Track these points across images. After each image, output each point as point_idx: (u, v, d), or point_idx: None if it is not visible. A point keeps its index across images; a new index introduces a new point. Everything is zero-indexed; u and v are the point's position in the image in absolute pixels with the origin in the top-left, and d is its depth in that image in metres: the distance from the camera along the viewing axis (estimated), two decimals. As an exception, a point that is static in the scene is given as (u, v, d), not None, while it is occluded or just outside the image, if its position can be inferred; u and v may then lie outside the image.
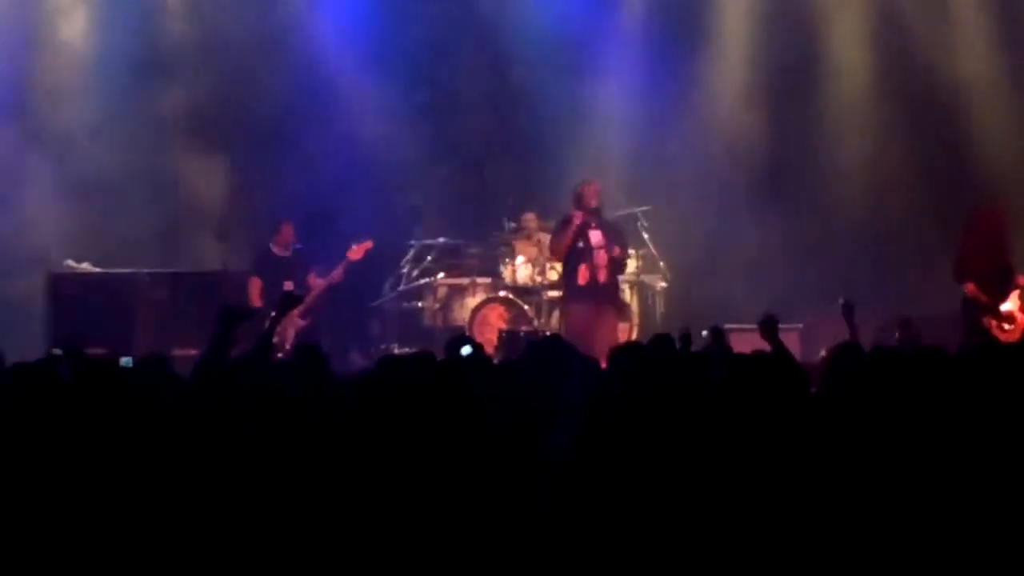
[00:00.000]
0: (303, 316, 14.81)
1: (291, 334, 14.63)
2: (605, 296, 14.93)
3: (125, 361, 8.73)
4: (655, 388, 7.12)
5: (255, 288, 14.97)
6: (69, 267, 15.69)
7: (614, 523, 5.91)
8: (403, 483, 5.94)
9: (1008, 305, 13.88)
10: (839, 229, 17.33)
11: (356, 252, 15.33)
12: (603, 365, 8.30)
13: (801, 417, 6.34)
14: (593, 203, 14.93)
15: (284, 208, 16.00)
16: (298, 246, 15.22)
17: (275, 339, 13.87)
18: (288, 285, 14.67)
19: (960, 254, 14.11)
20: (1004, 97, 17.29)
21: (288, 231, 15.21)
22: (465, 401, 6.46)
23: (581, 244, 14.88)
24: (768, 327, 9.08)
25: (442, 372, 7.69)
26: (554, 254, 15.51)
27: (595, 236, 14.90)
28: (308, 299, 14.74)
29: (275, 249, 15.18)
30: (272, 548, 5.83)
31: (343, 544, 5.81)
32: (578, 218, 14.85)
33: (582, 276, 14.88)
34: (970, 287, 13.87)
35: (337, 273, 15.17)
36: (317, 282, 15.14)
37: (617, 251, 14.96)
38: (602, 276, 14.88)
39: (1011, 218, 14.29)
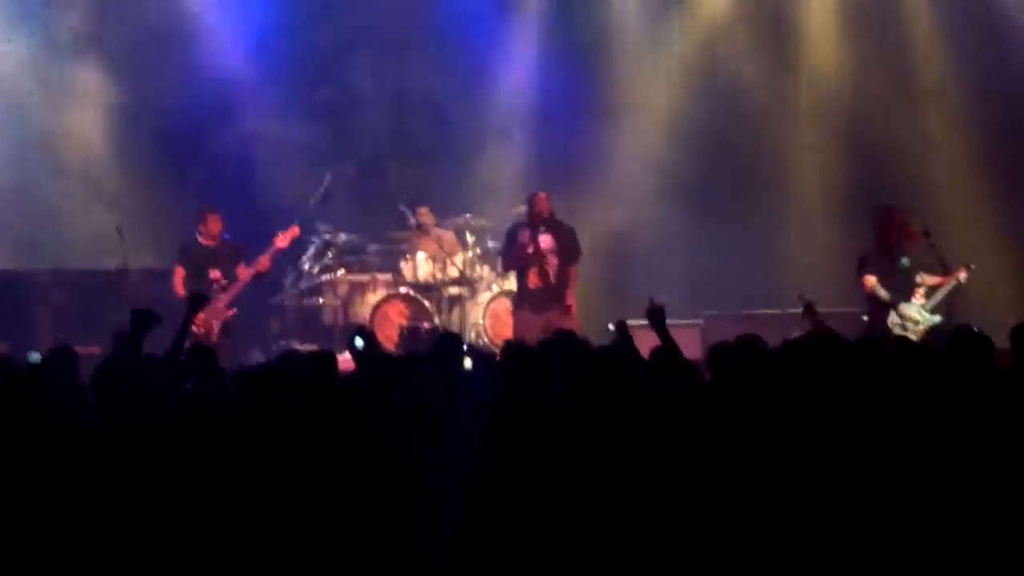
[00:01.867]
0: (229, 306, 14.67)
1: (216, 325, 14.49)
2: (554, 300, 14.80)
3: (34, 357, 8.68)
4: (545, 386, 7.21)
5: (178, 277, 14.63)
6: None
7: (509, 518, 5.99)
8: (291, 479, 5.99)
9: (911, 307, 13.87)
10: (756, 227, 17.47)
11: (283, 239, 15.25)
12: None
13: (686, 409, 6.47)
14: (544, 212, 14.90)
15: (186, 203, 15.94)
16: (226, 236, 14.96)
17: (200, 330, 13.96)
18: (215, 274, 14.62)
19: (862, 250, 14.23)
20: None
21: (215, 221, 14.82)
22: (354, 398, 6.54)
23: (531, 249, 14.87)
24: (654, 317, 9.15)
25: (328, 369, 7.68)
26: (503, 269, 15.63)
27: (545, 240, 14.88)
28: (234, 288, 14.67)
29: (201, 239, 14.82)
30: (159, 543, 5.86)
31: (227, 538, 5.85)
32: (526, 242, 14.85)
33: (531, 280, 14.87)
34: (868, 280, 13.88)
35: (264, 260, 15.01)
36: (245, 271, 14.86)
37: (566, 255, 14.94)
38: (552, 280, 14.85)
39: (917, 219, 14.23)
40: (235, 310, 14.71)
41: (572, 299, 14.76)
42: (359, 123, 17.45)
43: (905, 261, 13.96)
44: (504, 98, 17.81)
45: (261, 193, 16.52)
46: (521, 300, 15.02)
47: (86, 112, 17.01)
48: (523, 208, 15.46)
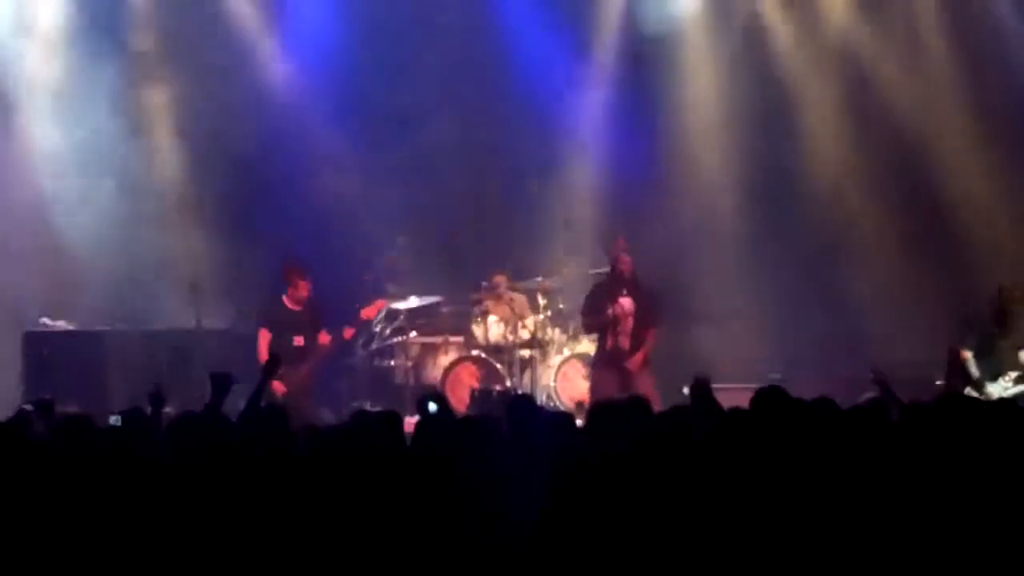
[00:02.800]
0: (310, 374, 14.63)
1: (295, 392, 14.40)
2: (627, 361, 14.77)
3: (114, 419, 8.73)
4: (628, 445, 7.17)
5: (263, 342, 14.58)
6: (44, 325, 15.71)
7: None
8: (359, 536, 5.97)
9: (995, 386, 13.28)
10: (826, 286, 17.31)
11: (369, 311, 15.36)
12: None
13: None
14: (626, 272, 14.89)
15: (265, 266, 16.03)
16: (312, 297, 14.83)
17: (280, 397, 13.92)
18: (298, 340, 14.59)
19: (970, 318, 13.73)
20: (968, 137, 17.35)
21: (303, 285, 14.75)
22: (430, 459, 6.51)
23: (611, 311, 14.86)
24: (699, 388, 9.23)
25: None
26: (586, 331, 15.62)
27: (625, 303, 14.86)
28: (316, 357, 14.67)
29: (287, 301, 14.79)
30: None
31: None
32: (606, 304, 14.85)
33: (609, 342, 14.88)
34: (965, 354, 13.43)
35: (347, 332, 15.07)
36: (325, 338, 14.83)
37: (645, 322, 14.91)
38: (625, 343, 14.82)
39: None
40: (313, 378, 14.71)
41: (646, 360, 14.73)
42: (432, 182, 17.43)
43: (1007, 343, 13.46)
44: (580, 160, 17.78)
45: (336, 253, 16.52)
46: (599, 359, 15.03)
47: (161, 177, 17.14)
48: (602, 270, 15.50)
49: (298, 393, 14.39)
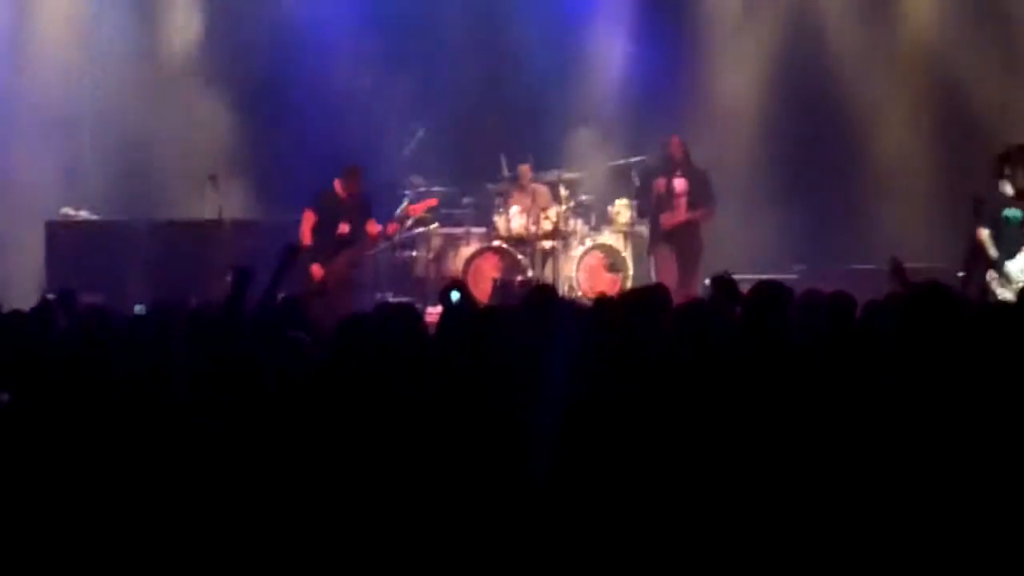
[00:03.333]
0: (351, 265, 14.71)
1: (334, 280, 14.48)
2: (683, 237, 15.44)
3: (139, 309, 8.75)
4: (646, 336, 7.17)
5: (307, 223, 14.61)
6: (66, 215, 15.72)
7: (604, 476, 5.95)
8: (378, 430, 5.98)
9: (1014, 264, 12.97)
10: (842, 183, 17.34)
11: (418, 208, 15.43)
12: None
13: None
14: (678, 154, 15.50)
15: (283, 156, 16.05)
16: (364, 192, 14.90)
17: (316, 285, 14.00)
18: (343, 228, 14.59)
19: (977, 194, 13.54)
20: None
21: (355, 178, 14.80)
22: (453, 349, 6.53)
23: (664, 192, 15.48)
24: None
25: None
26: (639, 215, 16.04)
27: (679, 184, 15.47)
28: (360, 249, 14.76)
29: (338, 188, 14.75)
30: (263, 491, 5.88)
31: (321, 484, 5.86)
32: (660, 185, 15.46)
33: (664, 221, 15.45)
34: (982, 232, 12.95)
35: (392, 226, 15.21)
36: (374, 227, 14.90)
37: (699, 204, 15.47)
38: (683, 221, 15.47)
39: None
40: (352, 268, 14.74)
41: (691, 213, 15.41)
42: (451, 74, 17.37)
43: (1014, 213, 13.39)
44: (600, 55, 17.71)
45: (354, 144, 16.47)
46: (655, 239, 15.58)
47: (179, 60, 17.12)
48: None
49: (337, 281, 14.43)
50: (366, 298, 15.91)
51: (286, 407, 6.15)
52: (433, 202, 15.85)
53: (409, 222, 15.86)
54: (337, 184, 14.75)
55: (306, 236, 14.48)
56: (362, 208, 14.80)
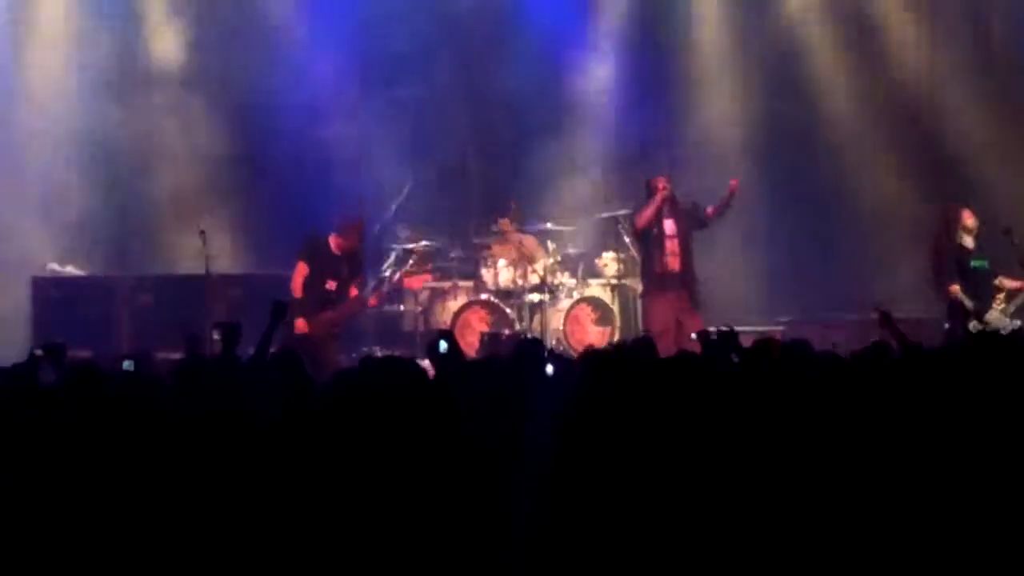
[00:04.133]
0: (334, 324, 14.49)
1: (318, 336, 14.32)
2: (678, 284, 14.85)
3: (127, 364, 8.71)
4: (632, 391, 7.17)
5: (299, 275, 14.26)
6: (52, 271, 15.72)
7: (593, 522, 5.95)
8: (379, 483, 5.98)
9: (994, 313, 13.59)
10: (826, 232, 17.36)
11: (414, 282, 15.41)
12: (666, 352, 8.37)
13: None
14: (665, 191, 14.89)
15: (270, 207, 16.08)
16: (358, 252, 14.61)
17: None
18: (331, 284, 14.39)
19: (937, 257, 13.98)
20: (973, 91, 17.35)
21: (355, 238, 14.48)
22: (443, 402, 6.53)
23: (655, 231, 14.91)
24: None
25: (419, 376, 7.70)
26: (637, 225, 15.27)
27: (668, 226, 14.90)
28: (348, 308, 14.56)
29: (332, 244, 14.40)
30: (253, 548, 5.87)
31: (319, 546, 5.86)
32: (662, 185, 14.84)
33: (658, 264, 14.91)
34: (953, 289, 13.65)
35: (385, 291, 15.14)
36: (360, 295, 14.62)
37: (707, 213, 14.99)
38: (674, 264, 14.86)
39: (983, 219, 14.10)
40: (339, 325, 14.55)
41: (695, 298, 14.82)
42: (439, 123, 17.43)
43: (980, 263, 13.67)
44: (584, 98, 17.78)
45: (341, 195, 16.47)
46: (649, 286, 15.03)
47: (167, 119, 17.12)
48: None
49: (322, 337, 14.22)
50: (350, 352, 15.91)
51: (287, 453, 6.16)
52: (428, 278, 15.82)
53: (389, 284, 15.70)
54: (332, 239, 14.56)
55: (297, 289, 14.25)
56: (352, 266, 14.61)
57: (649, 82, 17.80)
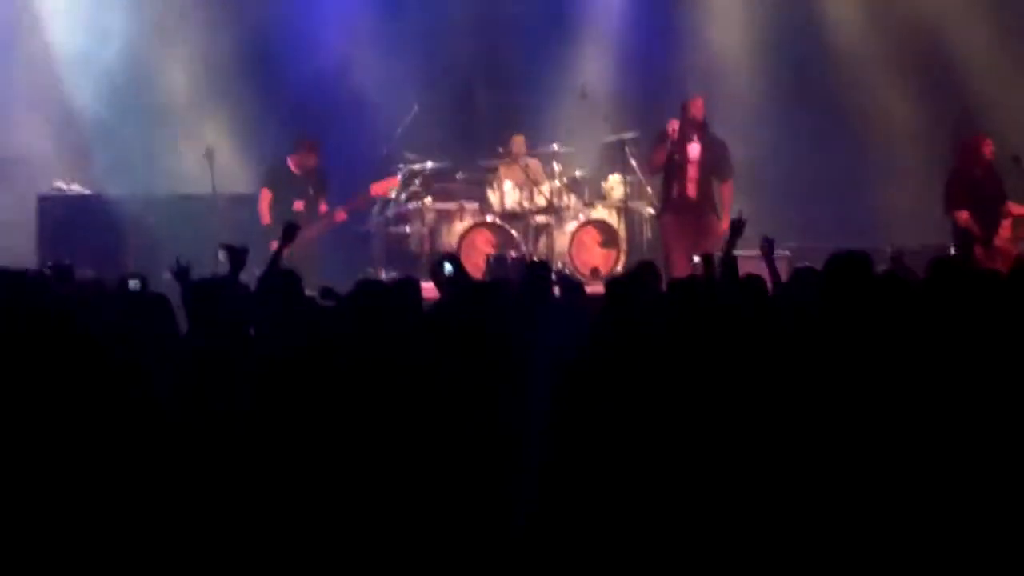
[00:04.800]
0: (311, 241, 14.52)
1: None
2: (695, 210, 14.58)
3: (133, 284, 8.71)
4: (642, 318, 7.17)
5: (264, 202, 14.78)
6: (58, 189, 15.67)
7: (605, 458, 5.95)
8: (376, 402, 5.98)
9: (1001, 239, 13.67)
10: (836, 159, 17.23)
11: (379, 187, 15.39)
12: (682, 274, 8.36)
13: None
14: (698, 116, 14.61)
15: (278, 131, 16.01)
16: (319, 168, 14.97)
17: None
18: (298, 205, 14.58)
19: (949, 184, 14.00)
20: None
21: (311, 154, 14.91)
22: (442, 323, 6.53)
23: (677, 157, 14.55)
24: (766, 249, 9.81)
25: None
26: (648, 168, 15.32)
27: (693, 150, 14.58)
28: (321, 225, 14.69)
29: (291, 164, 14.91)
30: (264, 464, 5.89)
31: (319, 455, 5.87)
32: (673, 130, 14.48)
33: (675, 189, 14.60)
34: (963, 215, 13.76)
35: (356, 202, 15.15)
36: (329, 210, 14.95)
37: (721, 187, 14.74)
38: (692, 191, 14.59)
39: (995, 147, 14.15)
40: (315, 244, 14.65)
41: (725, 217, 14.28)
42: (447, 49, 17.33)
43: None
44: (595, 26, 17.66)
45: (349, 121, 16.45)
46: (665, 207, 14.80)
47: (177, 42, 16.99)
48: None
49: (300, 258, 14.26)
50: (357, 273, 15.90)
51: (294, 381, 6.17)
52: (394, 181, 15.76)
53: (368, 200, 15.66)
54: (290, 159, 14.89)
55: (264, 215, 14.69)
56: (317, 184, 14.91)
57: (657, 11, 17.66)
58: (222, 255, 8.60)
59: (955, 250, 13.70)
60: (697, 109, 14.63)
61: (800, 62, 17.39)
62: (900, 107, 17.23)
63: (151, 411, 5.98)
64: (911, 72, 17.26)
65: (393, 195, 16.30)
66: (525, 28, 17.44)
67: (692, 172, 14.61)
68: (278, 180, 14.90)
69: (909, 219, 15.75)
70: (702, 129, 14.64)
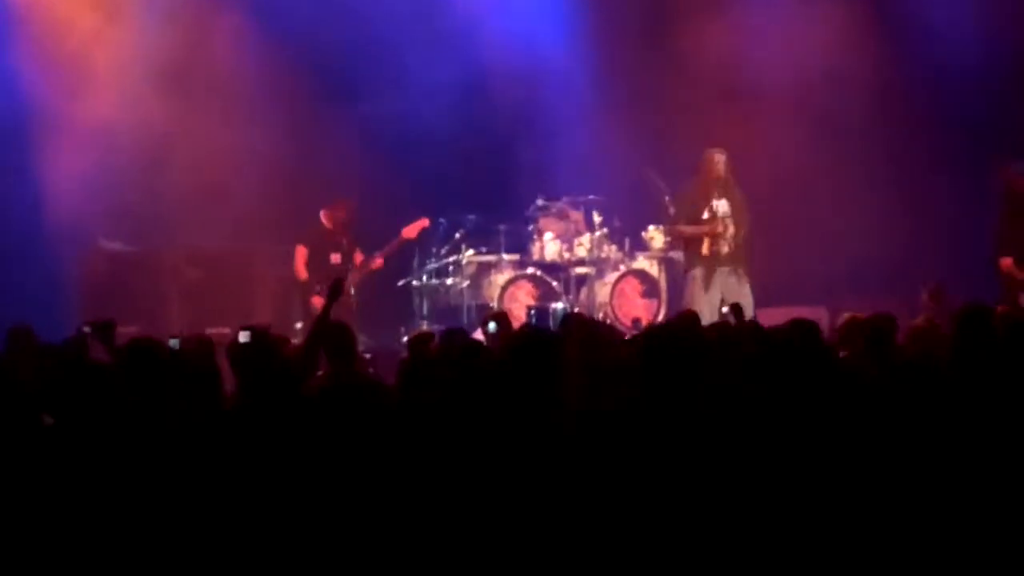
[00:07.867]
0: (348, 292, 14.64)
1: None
2: (728, 263, 14.56)
3: (173, 343, 8.76)
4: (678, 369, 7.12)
5: (300, 258, 14.97)
6: (101, 246, 15.75)
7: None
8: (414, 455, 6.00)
9: None
10: (869, 211, 17.02)
11: (411, 230, 15.45)
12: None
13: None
14: (720, 174, 14.56)
15: (311, 186, 16.07)
16: (351, 221, 15.20)
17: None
18: (335, 258, 14.79)
19: (999, 226, 13.56)
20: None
21: (343, 207, 15.15)
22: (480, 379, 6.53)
23: (707, 215, 14.55)
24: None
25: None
26: (672, 237, 15.46)
27: (721, 206, 14.57)
28: (358, 275, 14.87)
29: (323, 219, 15.12)
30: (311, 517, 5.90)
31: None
32: (700, 206, 14.49)
33: (706, 247, 14.55)
34: (1005, 262, 13.32)
35: (390, 248, 15.27)
36: (365, 259, 15.19)
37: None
38: (724, 247, 14.58)
39: None
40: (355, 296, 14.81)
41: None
42: (484, 102, 17.33)
43: None
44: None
45: (388, 175, 16.47)
46: (692, 264, 14.69)
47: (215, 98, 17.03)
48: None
49: (344, 311, 14.32)
50: (399, 328, 15.94)
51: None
52: (425, 222, 15.77)
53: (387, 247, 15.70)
54: (323, 215, 15.12)
55: (300, 271, 14.87)
56: (350, 236, 15.23)
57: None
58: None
59: (1002, 297, 13.33)
60: (718, 165, 14.54)
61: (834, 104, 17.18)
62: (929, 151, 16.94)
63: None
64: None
65: (434, 248, 16.33)
66: (563, 83, 17.39)
67: (725, 230, 14.56)
68: (312, 235, 15.05)
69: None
70: (725, 183, 14.60)
